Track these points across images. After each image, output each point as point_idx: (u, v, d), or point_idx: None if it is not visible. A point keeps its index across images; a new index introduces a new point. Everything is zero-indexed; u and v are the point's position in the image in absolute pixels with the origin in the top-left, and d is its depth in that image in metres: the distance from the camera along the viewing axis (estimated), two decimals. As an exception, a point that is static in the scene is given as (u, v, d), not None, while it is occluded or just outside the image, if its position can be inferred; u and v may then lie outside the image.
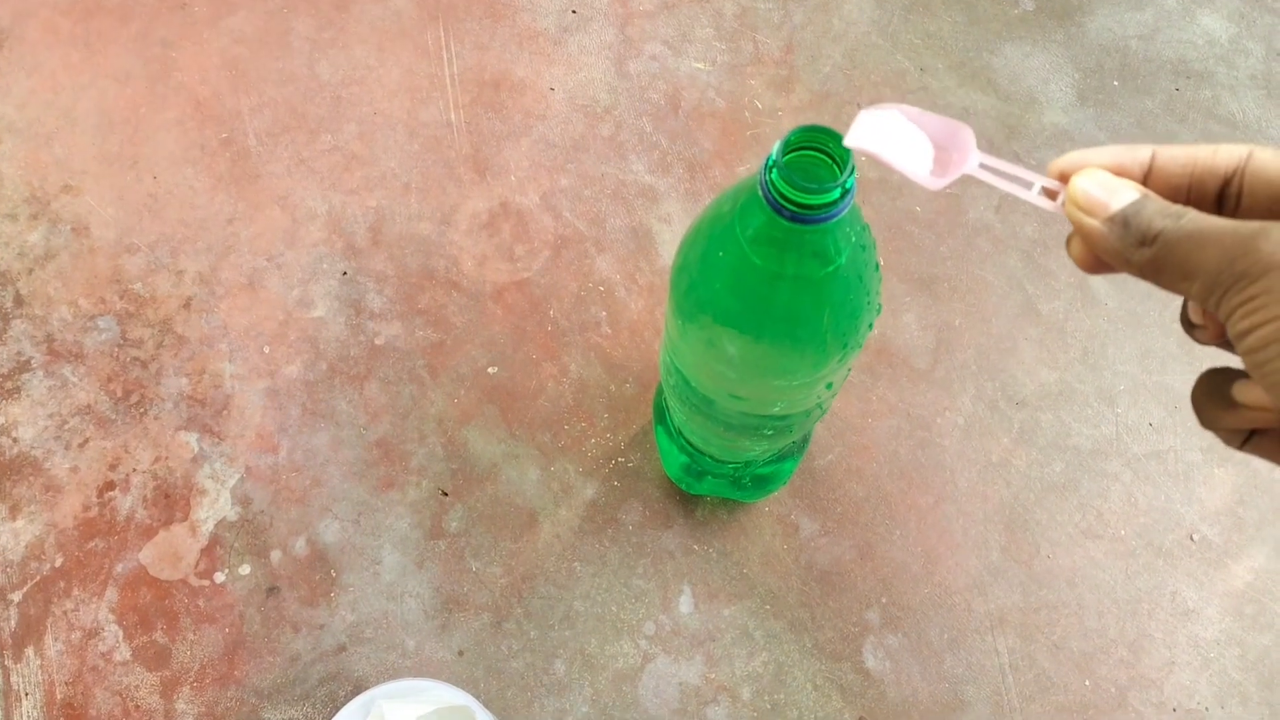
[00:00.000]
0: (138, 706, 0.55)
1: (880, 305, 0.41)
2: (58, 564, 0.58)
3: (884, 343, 0.64)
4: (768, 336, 0.39)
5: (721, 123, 0.71)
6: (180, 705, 0.55)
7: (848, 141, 0.32)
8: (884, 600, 0.59)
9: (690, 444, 0.54)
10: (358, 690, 0.55)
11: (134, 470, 0.60)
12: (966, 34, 0.75)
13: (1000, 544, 0.60)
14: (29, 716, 0.55)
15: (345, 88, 0.71)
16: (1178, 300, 0.65)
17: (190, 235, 0.66)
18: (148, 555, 0.58)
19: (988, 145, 0.71)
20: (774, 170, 0.33)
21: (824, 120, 0.71)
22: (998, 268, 0.67)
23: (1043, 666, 0.57)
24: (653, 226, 0.68)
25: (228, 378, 0.63)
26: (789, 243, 0.35)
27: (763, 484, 0.58)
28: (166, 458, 0.61)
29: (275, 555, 0.59)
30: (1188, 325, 0.31)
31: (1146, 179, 0.30)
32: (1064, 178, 0.30)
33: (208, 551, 0.59)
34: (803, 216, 0.33)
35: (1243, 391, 0.29)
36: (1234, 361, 0.28)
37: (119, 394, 0.62)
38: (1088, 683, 0.57)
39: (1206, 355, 0.63)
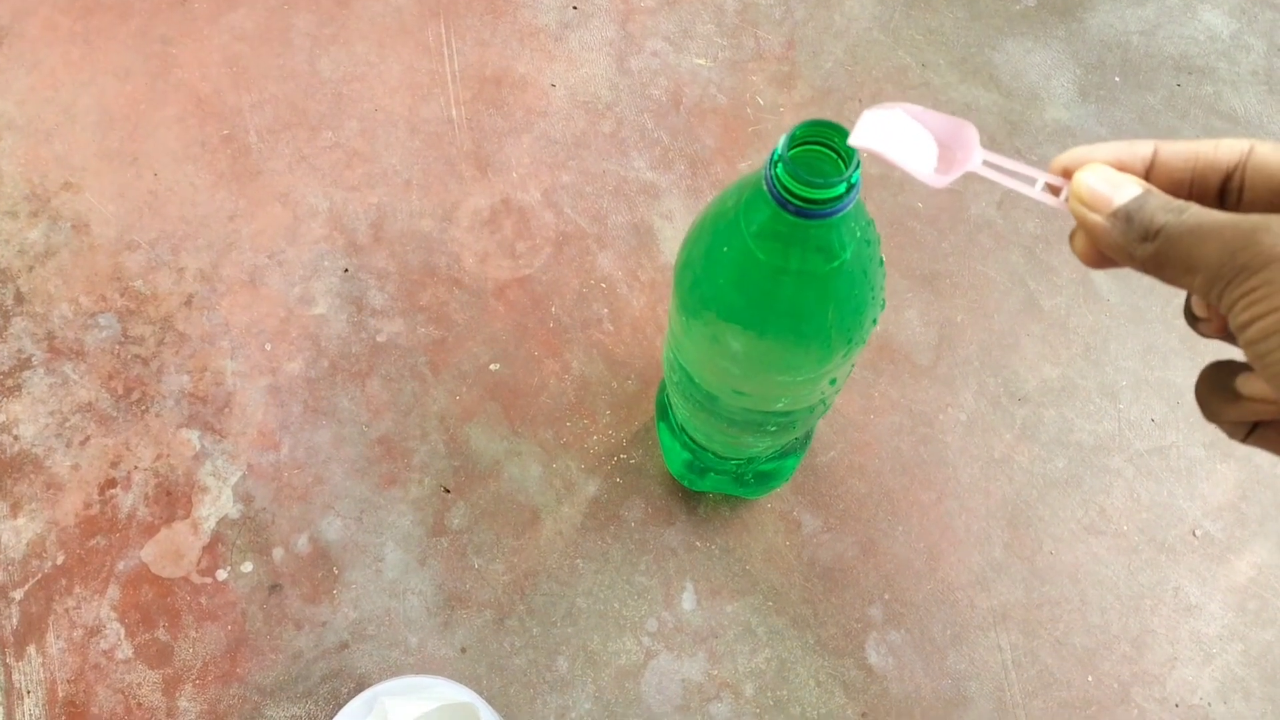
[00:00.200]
0: (140, 704, 0.55)
1: (884, 301, 0.41)
2: (59, 562, 0.58)
3: (886, 339, 0.64)
4: (772, 332, 0.39)
5: (723, 119, 0.71)
6: (182, 703, 0.55)
7: (852, 140, 0.32)
8: (886, 596, 0.58)
9: (693, 440, 0.54)
10: (360, 687, 0.55)
11: (135, 468, 0.60)
12: (968, 30, 0.75)
13: (1003, 540, 0.60)
14: (31, 714, 0.55)
15: (346, 84, 0.71)
16: (1180, 296, 0.65)
17: (191, 232, 0.66)
18: (149, 553, 0.58)
19: (990, 141, 0.71)
20: (779, 165, 0.33)
21: (826, 116, 0.71)
22: (1000, 264, 0.67)
23: (1045, 662, 0.57)
24: (654, 223, 0.68)
25: (229, 375, 0.63)
26: (794, 238, 0.35)
27: (765, 480, 0.58)
28: (168, 455, 0.60)
29: (277, 552, 0.58)
30: (1191, 319, 0.31)
31: (1149, 174, 0.30)
32: (1067, 174, 0.30)
33: (210, 549, 0.58)
34: (808, 211, 0.33)
35: (1246, 384, 0.29)
36: (1237, 355, 0.29)
37: (120, 391, 0.62)
38: (1090, 678, 0.57)
39: (1209, 351, 0.63)
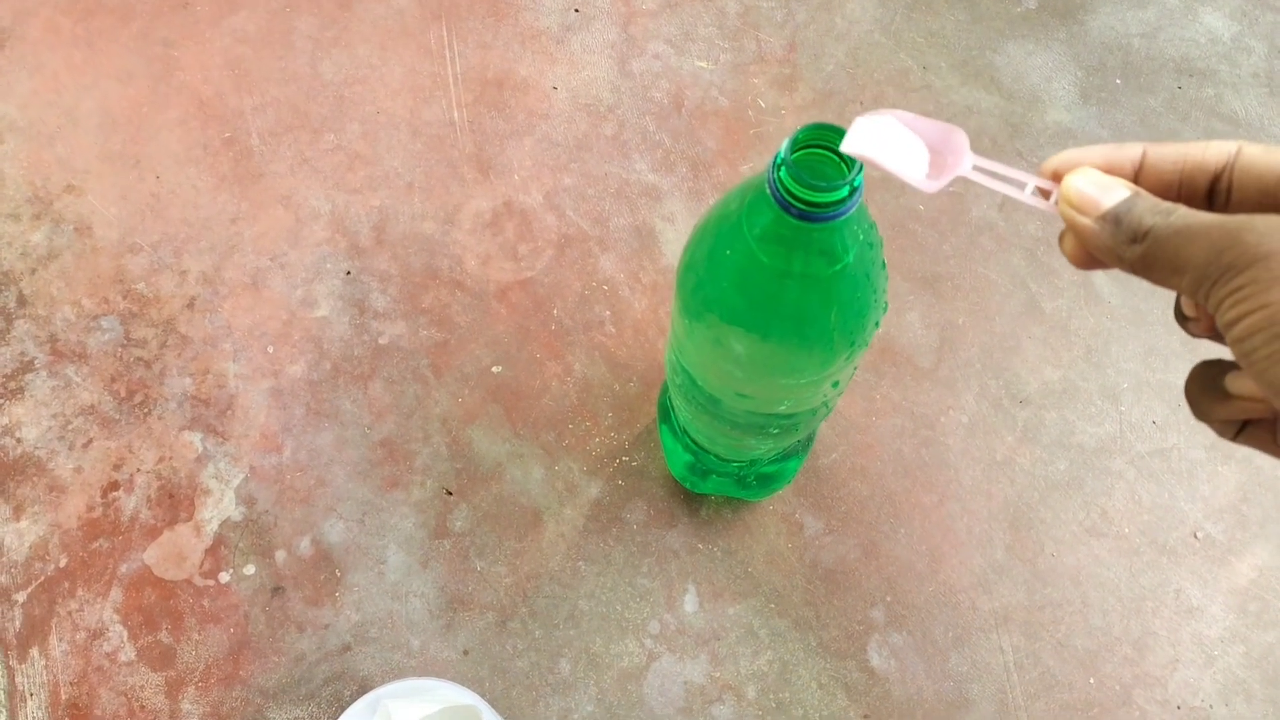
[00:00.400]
0: (143, 707, 0.55)
1: (887, 303, 0.41)
2: (62, 564, 0.58)
3: (888, 341, 0.65)
4: (775, 335, 0.39)
5: (724, 121, 0.71)
6: (185, 705, 0.55)
7: (844, 148, 0.32)
8: (888, 599, 0.59)
9: (695, 443, 0.54)
10: (363, 690, 0.55)
11: (138, 470, 0.60)
12: (969, 32, 0.75)
13: (1005, 542, 0.60)
14: (33, 717, 0.55)
15: (348, 87, 0.71)
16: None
17: (193, 235, 0.66)
18: (152, 555, 0.58)
19: (991, 143, 0.71)
20: (782, 168, 0.33)
21: (827, 119, 0.71)
22: (1001, 266, 0.67)
23: (1047, 664, 0.57)
24: (656, 225, 0.68)
25: (231, 377, 0.63)
26: (797, 241, 0.35)
27: (767, 483, 0.58)
28: (170, 458, 0.61)
29: (280, 555, 0.59)
30: (1181, 319, 0.32)
31: (1138, 176, 0.30)
32: (1057, 177, 0.31)
33: (212, 551, 0.59)
34: (811, 214, 0.33)
35: (1234, 382, 0.29)
36: (1228, 354, 0.29)
37: (123, 394, 0.62)
38: (1092, 680, 0.57)
39: (1210, 353, 0.63)
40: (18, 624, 0.57)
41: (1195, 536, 0.60)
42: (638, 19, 0.75)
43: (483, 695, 0.55)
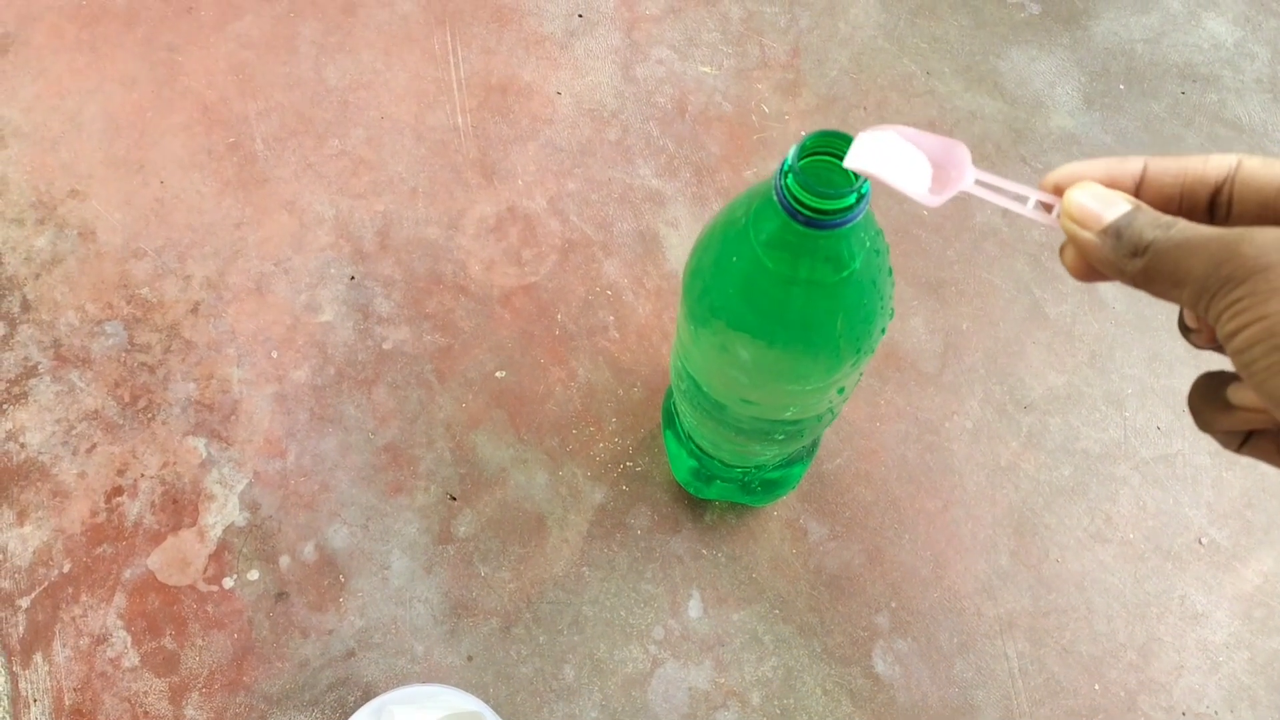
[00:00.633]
0: (146, 713, 0.55)
1: (893, 310, 0.41)
2: (66, 570, 0.58)
3: (892, 347, 0.64)
4: (781, 342, 0.39)
5: (728, 127, 0.71)
6: (189, 711, 0.55)
7: (848, 163, 0.32)
8: (893, 605, 0.58)
9: (699, 448, 0.54)
10: (367, 696, 0.55)
11: (142, 476, 0.60)
12: (973, 38, 0.75)
13: (1009, 548, 0.60)
14: (38, 722, 0.55)
15: (352, 92, 0.71)
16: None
17: (197, 240, 0.66)
18: (156, 561, 0.58)
19: (994, 149, 0.71)
20: (789, 175, 0.33)
21: (830, 124, 0.71)
22: (1005, 271, 0.67)
23: (1052, 671, 0.57)
24: (660, 230, 0.68)
25: (236, 383, 0.63)
26: (803, 248, 0.35)
27: (771, 488, 0.58)
28: (174, 463, 0.61)
29: (284, 560, 0.58)
30: (1184, 330, 0.32)
31: (1139, 190, 0.31)
32: (1058, 191, 0.31)
33: (216, 557, 0.59)
34: (818, 221, 0.33)
35: (1237, 394, 0.30)
36: (1231, 366, 0.29)
37: (126, 399, 0.62)
38: (1097, 687, 0.57)
39: (1214, 359, 0.63)
40: (21, 629, 0.57)
41: (1200, 542, 0.60)
42: (641, 24, 0.75)
43: (487, 701, 0.55)
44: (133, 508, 0.59)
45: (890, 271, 0.40)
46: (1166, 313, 0.66)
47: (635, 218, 0.68)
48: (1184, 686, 0.57)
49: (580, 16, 0.75)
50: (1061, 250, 0.31)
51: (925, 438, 0.62)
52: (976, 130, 0.72)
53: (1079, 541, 0.60)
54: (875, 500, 0.61)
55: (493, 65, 0.73)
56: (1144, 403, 0.63)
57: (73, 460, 0.60)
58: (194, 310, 0.64)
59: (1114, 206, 0.29)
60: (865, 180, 0.33)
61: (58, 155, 0.69)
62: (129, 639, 0.57)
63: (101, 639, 0.57)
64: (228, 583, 0.58)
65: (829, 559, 0.59)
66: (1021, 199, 0.31)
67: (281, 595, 0.58)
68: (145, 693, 0.56)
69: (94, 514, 0.59)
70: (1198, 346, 0.31)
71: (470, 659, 0.57)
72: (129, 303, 0.64)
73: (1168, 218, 0.28)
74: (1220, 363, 0.31)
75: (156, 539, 0.59)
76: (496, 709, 0.55)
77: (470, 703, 0.52)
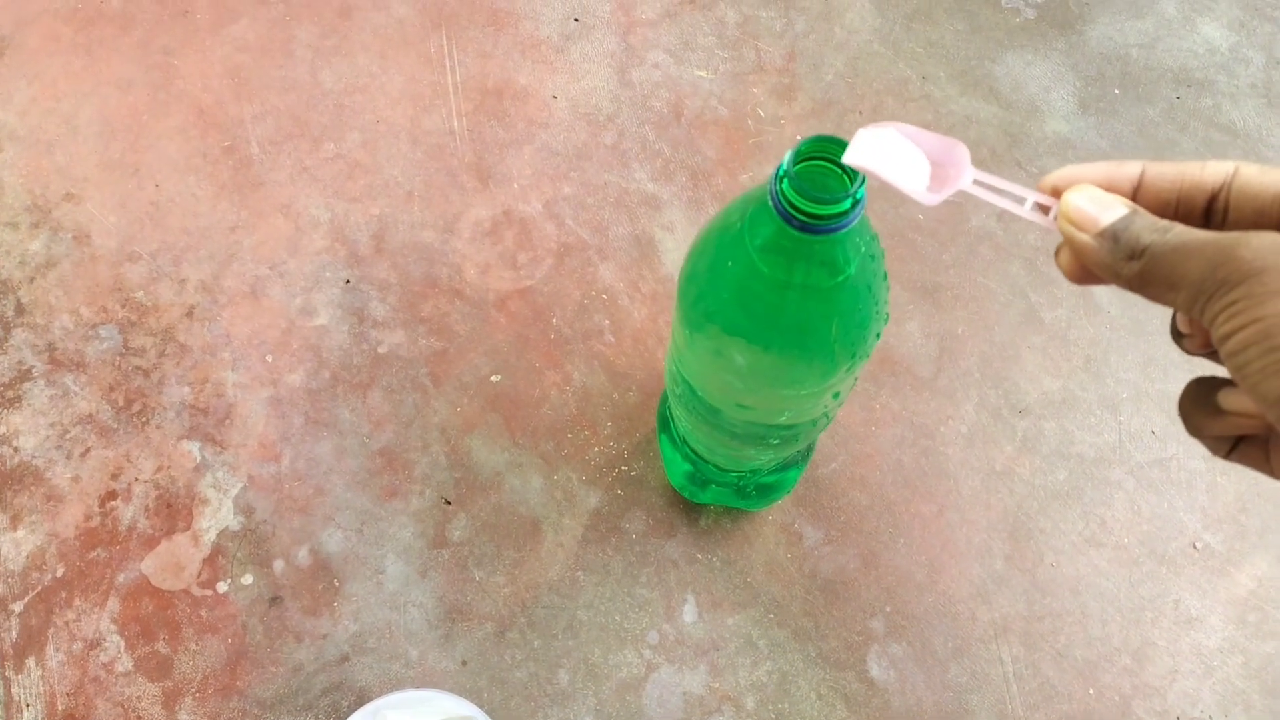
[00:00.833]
0: (140, 717, 0.55)
1: (888, 315, 0.41)
2: (59, 574, 0.58)
3: (887, 351, 0.65)
4: (776, 346, 0.39)
5: (724, 131, 0.71)
6: (183, 716, 0.55)
7: (846, 159, 0.32)
8: (888, 609, 0.58)
9: (695, 452, 0.54)
10: (361, 701, 0.55)
11: (136, 480, 0.60)
12: (968, 42, 0.75)
13: (1004, 552, 0.60)
14: (30, 727, 0.55)
15: (348, 96, 0.71)
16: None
17: (192, 243, 0.66)
18: (150, 565, 0.58)
19: (990, 153, 0.71)
20: (785, 180, 0.33)
21: (826, 129, 0.71)
22: (1000, 275, 0.67)
23: (1047, 675, 0.57)
24: (655, 234, 0.68)
25: (230, 386, 0.62)
26: (798, 253, 0.35)
27: (767, 493, 0.58)
28: (169, 467, 0.60)
29: (278, 565, 0.58)
30: (1176, 335, 0.32)
31: (1136, 194, 0.31)
32: (1056, 193, 0.31)
33: (210, 561, 0.58)
34: (813, 227, 0.33)
35: (1228, 398, 0.30)
36: (1223, 372, 0.29)
37: (121, 403, 0.62)
38: (1091, 691, 0.57)
39: (1208, 364, 0.63)
40: (14, 634, 0.56)
41: (1194, 547, 0.60)
42: (637, 29, 0.75)
43: (481, 706, 0.55)
44: (127, 512, 0.59)
45: (885, 276, 0.40)
46: (1161, 317, 0.66)
47: (631, 222, 0.68)
48: (1178, 691, 0.57)
49: (576, 21, 0.75)
50: (1057, 252, 0.31)
51: (920, 442, 0.62)
52: (972, 135, 0.72)
53: (1074, 546, 0.60)
54: (870, 504, 0.61)
55: (488, 69, 0.73)
56: (1139, 407, 0.63)
57: (67, 464, 0.60)
58: (189, 314, 0.64)
59: (1111, 210, 0.29)
60: (860, 186, 0.33)
61: (53, 158, 0.69)
62: (122, 643, 0.56)
63: (95, 643, 0.56)
64: (222, 587, 0.58)
65: (824, 563, 0.59)
66: (1019, 200, 0.31)
67: (275, 600, 0.58)
68: (138, 698, 0.55)
69: (88, 518, 0.59)
70: (1189, 352, 0.31)
71: (465, 664, 0.57)
72: (124, 306, 0.64)
73: (1164, 222, 0.28)
74: (1212, 369, 0.31)
75: (150, 543, 0.59)
76: (491, 714, 0.55)
77: (464, 708, 0.52)
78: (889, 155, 0.32)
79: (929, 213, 0.68)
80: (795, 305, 0.37)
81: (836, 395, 0.43)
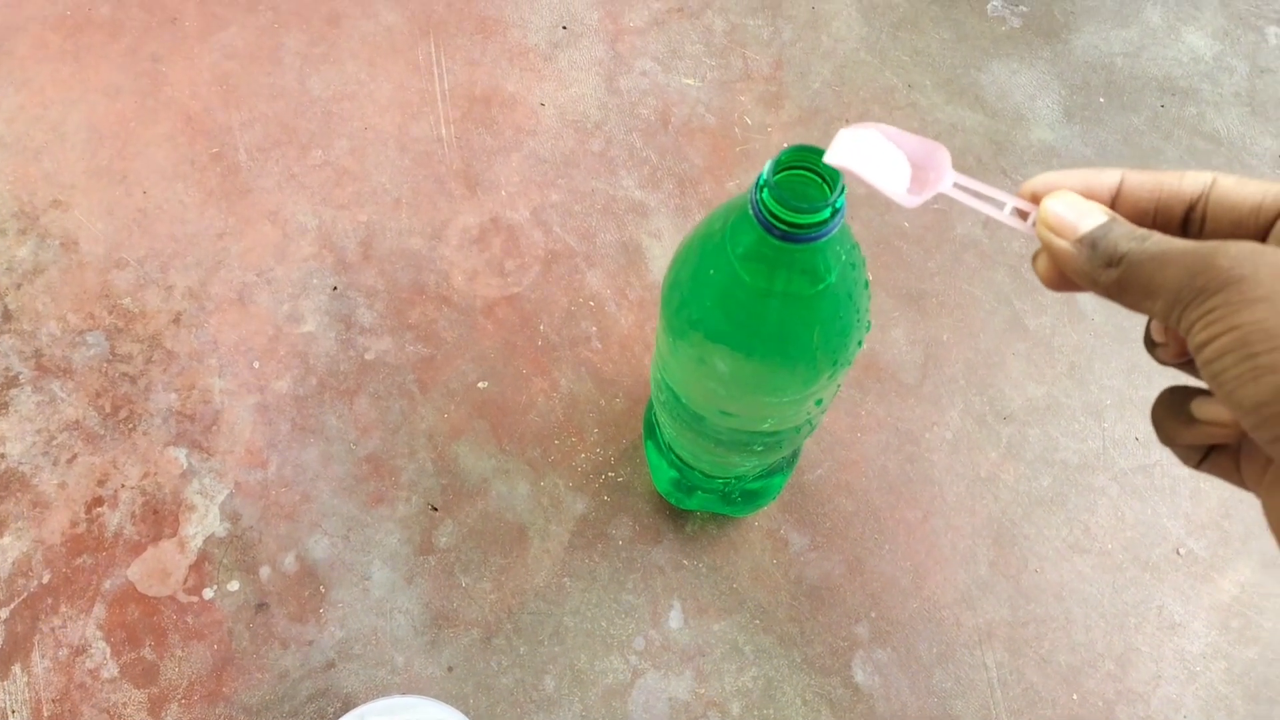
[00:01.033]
0: (125, 724, 0.55)
1: (870, 322, 0.42)
2: (45, 580, 0.58)
3: (873, 358, 0.65)
4: (758, 353, 0.39)
5: (711, 138, 0.72)
6: (168, 722, 0.55)
7: (828, 159, 0.32)
8: (873, 615, 0.59)
9: (680, 459, 0.54)
10: (347, 707, 0.55)
11: (122, 486, 0.60)
12: (954, 51, 0.76)
13: (988, 558, 0.60)
14: (15, 734, 0.55)
15: (336, 103, 0.72)
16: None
17: (180, 250, 0.66)
18: (136, 571, 0.58)
19: (975, 161, 0.72)
20: (765, 189, 0.33)
21: (813, 137, 0.72)
22: (985, 283, 0.67)
23: (1031, 681, 0.57)
24: (643, 241, 0.68)
25: (217, 393, 0.63)
26: (779, 261, 0.36)
27: (752, 499, 0.58)
28: (155, 473, 0.60)
29: (264, 571, 0.58)
30: (1150, 345, 0.32)
31: (1114, 202, 0.31)
32: (1035, 199, 0.31)
33: (196, 567, 0.58)
34: (793, 235, 0.34)
35: (1201, 408, 0.30)
36: (1196, 382, 0.29)
37: (108, 409, 0.62)
38: (1075, 697, 0.57)
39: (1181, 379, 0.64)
40: (0, 640, 0.56)
41: (1178, 553, 0.60)
42: (625, 37, 0.75)
43: (467, 713, 0.55)
44: (113, 518, 0.59)
45: (867, 284, 0.40)
46: (1144, 324, 0.66)
47: (618, 229, 0.68)
48: (1161, 696, 0.57)
49: (564, 29, 0.75)
50: (1035, 258, 0.32)
51: (905, 448, 0.63)
52: (958, 142, 0.72)
53: (1058, 552, 0.60)
54: (856, 510, 0.61)
55: (477, 76, 0.73)
56: (1122, 414, 0.64)
57: (53, 470, 0.60)
58: (176, 320, 0.64)
59: (1090, 217, 0.29)
60: (840, 195, 0.33)
61: (40, 165, 0.69)
62: (108, 650, 0.56)
63: (81, 650, 0.56)
64: (208, 593, 0.58)
65: (809, 569, 0.60)
66: (999, 205, 0.31)
67: (262, 606, 0.58)
68: (124, 704, 0.55)
69: (74, 524, 0.59)
70: (1162, 361, 0.32)
71: (451, 670, 0.57)
72: (111, 313, 0.64)
73: (1142, 230, 0.28)
74: (1186, 380, 0.32)
75: (137, 549, 0.59)
76: (477, 720, 0.55)
77: (450, 714, 0.52)
78: (869, 156, 0.33)
79: (914, 220, 0.69)
80: (777, 313, 0.38)
81: (819, 402, 0.43)
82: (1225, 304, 0.25)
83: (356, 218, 0.68)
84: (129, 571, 0.58)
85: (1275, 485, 0.28)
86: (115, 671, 0.56)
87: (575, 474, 0.61)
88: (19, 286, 0.65)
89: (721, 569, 0.59)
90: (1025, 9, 0.78)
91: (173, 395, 0.62)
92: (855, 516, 0.61)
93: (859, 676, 0.57)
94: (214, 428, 0.62)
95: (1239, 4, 0.79)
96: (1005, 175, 0.71)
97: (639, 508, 0.61)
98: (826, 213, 0.33)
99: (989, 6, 0.78)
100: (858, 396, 0.64)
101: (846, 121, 0.73)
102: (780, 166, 0.34)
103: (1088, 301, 0.67)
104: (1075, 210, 0.29)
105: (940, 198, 0.32)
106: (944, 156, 0.32)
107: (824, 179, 0.34)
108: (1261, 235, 0.29)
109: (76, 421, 0.61)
